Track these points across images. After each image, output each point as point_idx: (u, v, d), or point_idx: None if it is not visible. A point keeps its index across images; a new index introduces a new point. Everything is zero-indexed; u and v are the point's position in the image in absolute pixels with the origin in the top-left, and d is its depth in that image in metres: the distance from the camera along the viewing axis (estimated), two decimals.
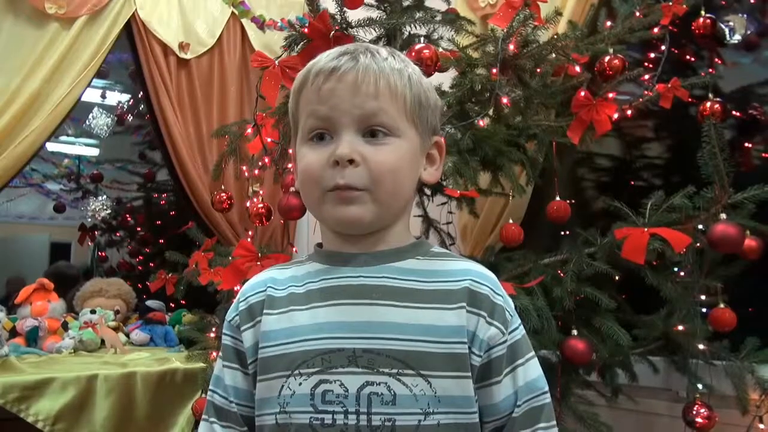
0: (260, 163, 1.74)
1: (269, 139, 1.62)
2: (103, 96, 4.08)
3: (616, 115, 1.49)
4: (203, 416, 0.79)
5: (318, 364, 0.69)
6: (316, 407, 0.68)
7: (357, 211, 0.71)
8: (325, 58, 0.74)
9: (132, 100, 4.21)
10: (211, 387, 0.79)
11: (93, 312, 2.40)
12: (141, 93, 3.08)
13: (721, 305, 1.46)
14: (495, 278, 0.76)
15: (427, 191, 1.67)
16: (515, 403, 0.72)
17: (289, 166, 1.65)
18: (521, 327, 0.76)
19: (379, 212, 0.72)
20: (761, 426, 1.45)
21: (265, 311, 0.75)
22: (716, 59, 1.93)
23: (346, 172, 0.70)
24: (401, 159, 0.72)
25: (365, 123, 0.71)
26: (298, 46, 1.47)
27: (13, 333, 2.18)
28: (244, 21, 2.72)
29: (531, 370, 0.74)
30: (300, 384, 0.69)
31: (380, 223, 0.74)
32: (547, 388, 0.74)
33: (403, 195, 0.75)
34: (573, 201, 1.64)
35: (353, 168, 0.70)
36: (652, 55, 1.76)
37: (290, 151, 0.84)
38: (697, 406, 1.42)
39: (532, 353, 0.75)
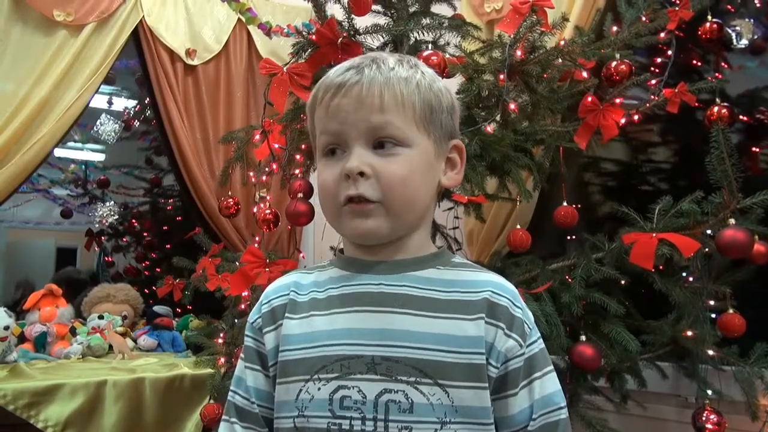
0: (267, 169, 1.74)
1: (276, 145, 1.63)
2: (110, 102, 4.11)
3: (623, 120, 1.48)
4: (224, 417, 0.79)
5: (337, 369, 0.70)
6: (334, 412, 0.68)
7: (372, 224, 0.71)
8: (332, 74, 0.75)
9: (138, 106, 4.23)
10: (232, 387, 0.79)
11: (101, 317, 2.41)
12: (148, 99, 3.10)
13: (730, 310, 1.46)
14: (515, 290, 0.76)
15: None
16: (530, 417, 0.72)
17: (296, 171, 1.66)
18: (540, 341, 0.75)
19: (394, 223, 0.72)
20: None
21: (287, 315, 0.76)
22: (723, 63, 1.92)
23: (357, 184, 0.71)
24: (413, 169, 0.72)
25: (373, 135, 0.72)
26: (306, 53, 1.48)
27: (22, 339, 2.19)
28: (250, 27, 2.74)
29: (548, 384, 0.73)
30: (319, 389, 0.70)
31: (396, 234, 0.74)
32: (564, 404, 0.74)
33: (418, 204, 0.74)
34: (580, 206, 1.64)
35: (364, 180, 0.71)
36: (659, 59, 1.76)
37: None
38: (706, 411, 1.42)
39: (551, 368, 0.75)
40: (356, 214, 0.72)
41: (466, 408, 0.68)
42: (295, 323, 0.75)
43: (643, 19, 1.58)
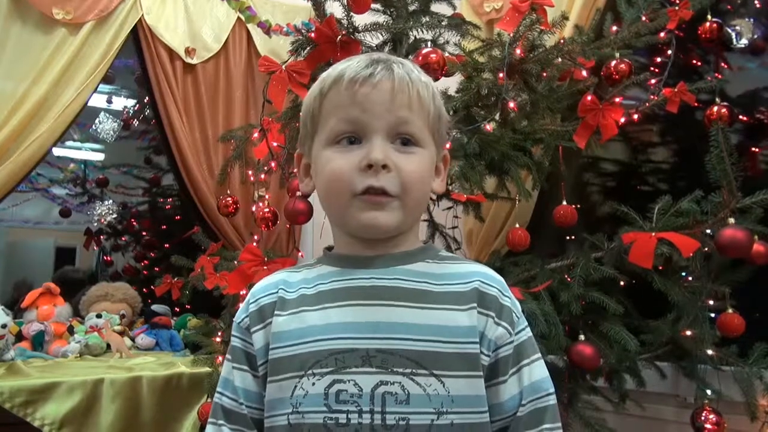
0: (266, 168, 1.74)
1: (275, 144, 1.63)
2: (109, 101, 4.10)
3: (622, 120, 1.48)
4: (210, 419, 0.78)
5: (331, 364, 0.69)
6: (330, 407, 0.68)
7: (386, 216, 0.72)
8: (356, 65, 0.75)
9: (138, 105, 4.23)
10: (218, 389, 0.78)
11: (99, 316, 2.40)
12: (147, 98, 3.09)
13: (729, 310, 1.46)
14: (502, 280, 0.78)
15: (433, 196, 1.67)
16: (520, 403, 0.73)
17: (295, 170, 1.64)
18: (528, 329, 0.77)
19: (403, 218, 0.74)
20: None
21: (276, 312, 0.76)
22: (723, 64, 1.92)
23: (380, 176, 0.71)
24: (426, 168, 0.75)
25: (396, 131, 0.73)
26: (305, 51, 1.47)
27: (19, 337, 2.18)
28: (250, 26, 2.74)
29: (536, 371, 0.75)
30: (313, 384, 0.69)
31: (401, 229, 0.75)
32: (552, 390, 0.75)
33: (425, 203, 0.78)
34: (579, 206, 1.64)
35: (386, 173, 0.71)
36: (659, 59, 1.76)
37: (297, 152, 0.84)
38: (705, 412, 1.41)
39: (538, 355, 0.76)
40: (372, 205, 0.72)
41: (461, 397, 0.69)
42: (286, 320, 0.74)
43: (643, 18, 1.58)
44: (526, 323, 0.77)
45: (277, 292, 0.77)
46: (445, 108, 0.82)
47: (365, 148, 0.72)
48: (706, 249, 1.34)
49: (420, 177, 0.74)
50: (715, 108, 1.62)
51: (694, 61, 1.98)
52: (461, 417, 0.69)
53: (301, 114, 0.81)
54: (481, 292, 0.74)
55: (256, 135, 1.68)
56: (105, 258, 4.68)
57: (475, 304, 0.73)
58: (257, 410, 0.75)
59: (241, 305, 0.80)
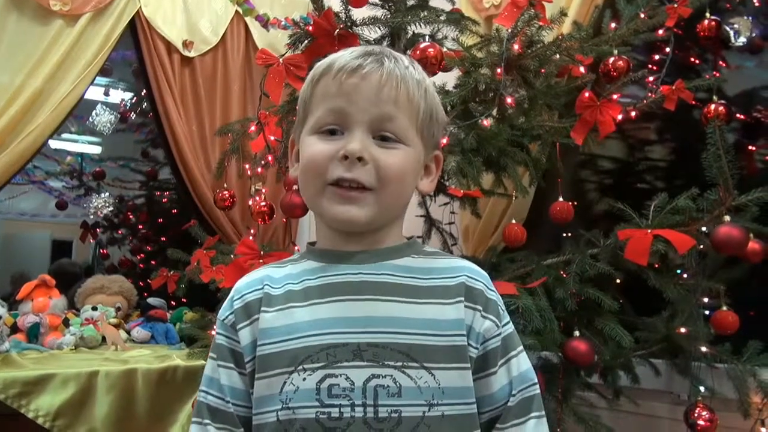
0: (263, 162, 1.74)
1: (272, 137, 1.62)
2: (107, 93, 4.09)
3: (620, 117, 1.48)
4: (194, 419, 0.76)
5: (323, 359, 0.69)
6: (322, 401, 0.68)
7: (357, 211, 0.72)
8: (348, 55, 0.75)
9: (135, 98, 4.22)
10: (203, 388, 0.77)
11: (94, 309, 2.40)
12: (144, 91, 3.08)
13: (724, 308, 1.46)
14: (487, 275, 0.79)
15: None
16: (510, 393, 0.74)
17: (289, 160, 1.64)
18: (511, 322, 0.79)
19: (378, 213, 0.73)
20: (763, 430, 1.45)
21: (262, 308, 0.75)
22: (721, 62, 1.92)
23: (354, 168, 0.71)
24: (408, 165, 0.74)
25: (378, 125, 0.73)
26: (303, 44, 1.47)
27: (14, 329, 2.18)
28: (247, 19, 2.73)
29: (522, 362, 0.77)
30: (304, 379, 0.69)
31: (377, 224, 0.75)
32: (536, 380, 0.77)
33: (404, 199, 0.78)
34: (576, 202, 1.64)
35: (361, 166, 0.71)
36: (657, 57, 1.75)
37: (291, 138, 0.84)
38: (698, 408, 1.42)
39: (522, 347, 0.79)
40: (344, 199, 0.72)
41: (451, 389, 0.70)
42: (273, 316, 0.74)
43: (642, 15, 1.58)
44: (509, 317, 0.79)
45: (262, 288, 0.77)
46: (442, 103, 0.81)
47: (345, 139, 0.72)
48: (702, 246, 1.34)
49: (399, 172, 0.73)
50: (713, 106, 1.62)
51: (692, 59, 1.98)
52: (451, 408, 0.70)
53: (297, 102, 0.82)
54: (468, 287, 0.75)
55: (253, 128, 1.67)
56: (101, 251, 4.68)
57: (462, 298, 0.74)
58: (243, 408, 0.75)
59: (225, 302, 0.79)
